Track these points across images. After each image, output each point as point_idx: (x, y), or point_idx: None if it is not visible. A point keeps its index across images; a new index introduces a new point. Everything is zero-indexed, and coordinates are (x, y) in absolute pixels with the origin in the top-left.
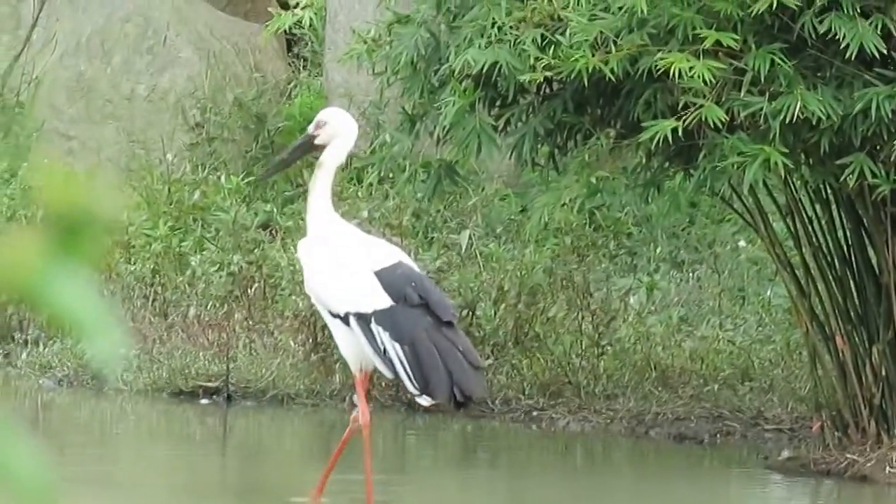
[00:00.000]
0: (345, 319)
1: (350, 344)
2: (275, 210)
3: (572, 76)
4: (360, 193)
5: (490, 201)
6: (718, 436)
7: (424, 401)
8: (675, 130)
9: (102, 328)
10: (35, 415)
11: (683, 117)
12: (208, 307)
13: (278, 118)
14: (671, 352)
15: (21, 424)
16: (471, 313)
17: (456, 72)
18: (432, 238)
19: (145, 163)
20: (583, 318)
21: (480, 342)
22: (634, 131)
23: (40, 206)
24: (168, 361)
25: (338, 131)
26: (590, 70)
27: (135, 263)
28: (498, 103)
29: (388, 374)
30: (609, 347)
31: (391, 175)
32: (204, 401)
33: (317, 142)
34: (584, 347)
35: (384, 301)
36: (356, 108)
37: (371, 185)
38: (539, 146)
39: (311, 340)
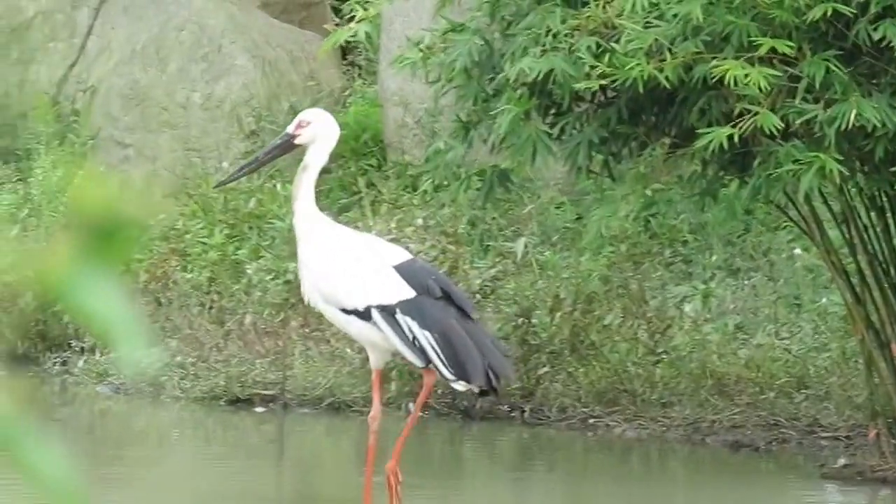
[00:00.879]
0: (363, 314)
1: (372, 335)
2: (330, 218)
3: (627, 84)
4: (415, 201)
5: (545, 209)
6: (774, 443)
7: (460, 386)
8: (730, 138)
9: (129, 332)
10: (92, 422)
11: (738, 125)
12: (265, 315)
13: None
14: (727, 360)
15: (49, 430)
16: (526, 321)
17: (511, 80)
18: (488, 246)
19: (201, 171)
20: (639, 325)
21: (536, 350)
22: (689, 139)
23: (72, 210)
24: (225, 369)
25: (320, 132)
26: (645, 78)
27: (191, 271)
28: (553, 111)
29: (419, 364)
30: (665, 355)
31: (446, 182)
32: (260, 409)
33: (297, 142)
34: (639, 355)
35: (408, 292)
36: (411, 115)
37: (426, 192)
38: (594, 154)
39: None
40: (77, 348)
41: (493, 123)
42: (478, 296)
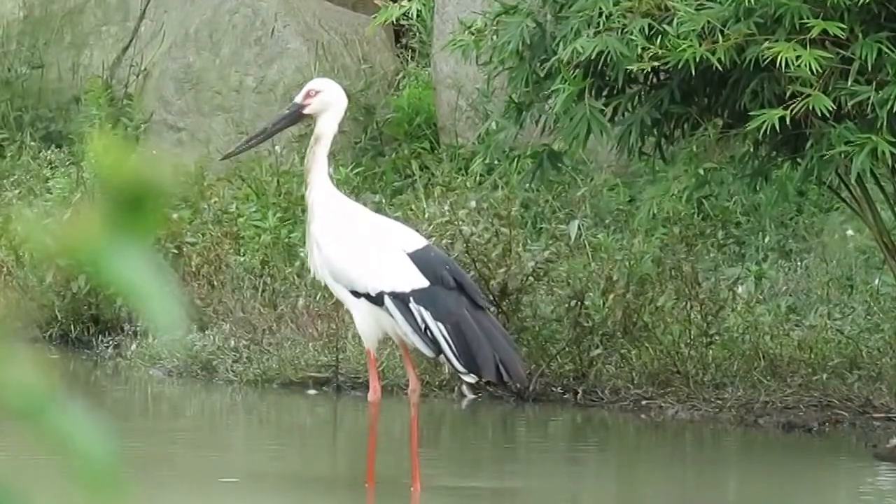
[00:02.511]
0: (375, 299)
1: (370, 323)
2: (384, 201)
3: (679, 66)
4: (468, 183)
5: (598, 191)
6: (827, 424)
7: (470, 378)
8: (782, 120)
9: (160, 301)
10: (145, 405)
11: (790, 107)
12: (317, 298)
13: (386, 109)
14: (779, 341)
15: (103, 413)
16: (579, 303)
17: (564, 61)
18: (541, 228)
19: (254, 154)
20: (691, 307)
21: (589, 332)
22: (742, 121)
23: (100, 181)
24: (278, 352)
25: (329, 101)
26: (697, 60)
27: (244, 255)
28: (605, 92)
29: (429, 354)
30: (717, 337)
31: (498, 162)
32: (313, 391)
33: (306, 111)
34: (692, 337)
35: (422, 281)
36: (464, 98)
37: (480, 175)
38: (646, 136)
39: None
40: (130, 332)
41: (545, 104)
42: (531, 278)
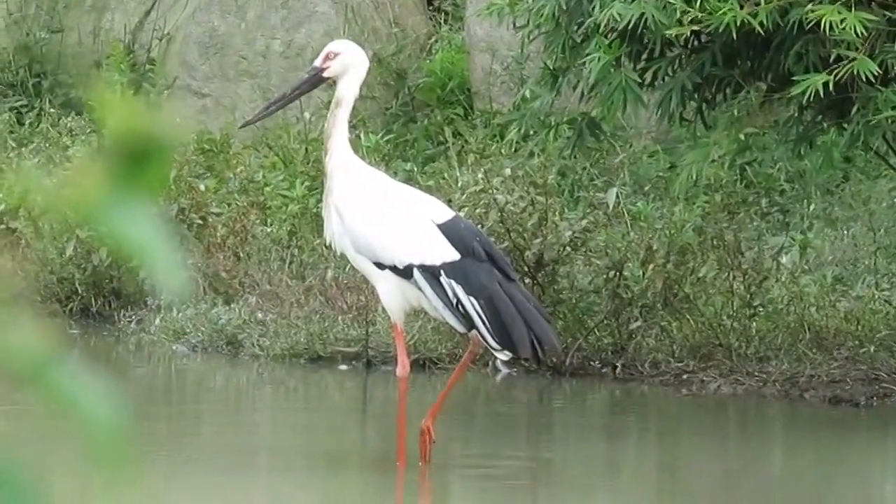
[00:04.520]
0: (402, 271)
1: (395, 295)
2: (415, 169)
3: (720, 30)
4: (502, 151)
5: (638, 158)
6: (874, 398)
7: (504, 356)
8: (826, 84)
9: (163, 255)
10: (169, 383)
11: (835, 71)
12: (346, 269)
13: (419, 74)
14: (825, 312)
15: (126, 389)
16: (618, 274)
17: (601, 26)
18: (578, 197)
19: (281, 121)
20: (734, 278)
21: (628, 304)
22: (785, 84)
23: (104, 134)
24: (306, 326)
25: (349, 63)
26: (738, 23)
27: (271, 225)
28: (644, 57)
29: (461, 329)
30: (761, 308)
31: (534, 131)
32: (343, 366)
33: (326, 75)
34: (735, 308)
35: (452, 254)
36: (499, 62)
37: (515, 142)
38: (687, 101)
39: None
40: (153, 306)
41: (582, 70)
42: (568, 248)
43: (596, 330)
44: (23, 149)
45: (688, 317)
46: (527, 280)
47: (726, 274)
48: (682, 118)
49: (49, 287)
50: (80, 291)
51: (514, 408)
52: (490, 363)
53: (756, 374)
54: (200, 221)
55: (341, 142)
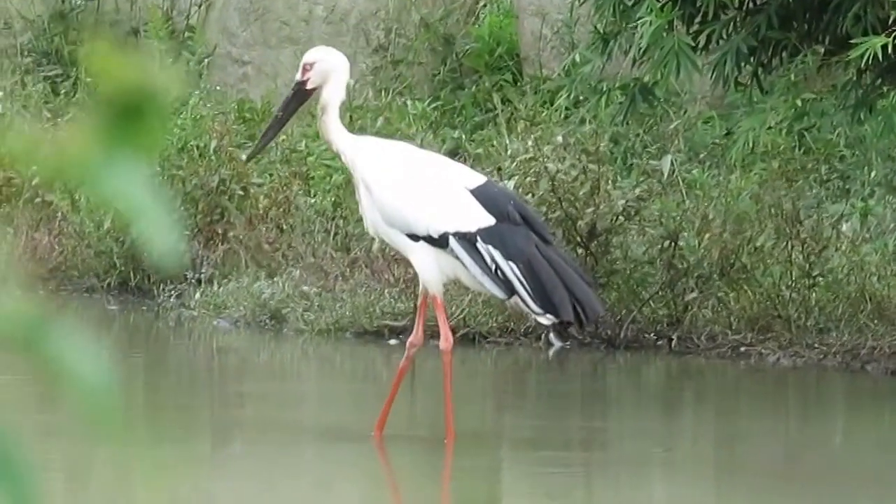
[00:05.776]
0: (438, 241)
1: (432, 266)
2: (463, 136)
3: None
4: (553, 118)
5: (693, 124)
6: None
7: (546, 320)
8: (885, 47)
9: (155, 216)
10: (211, 358)
11: (894, 33)
12: None
13: (467, 39)
14: (887, 282)
15: (84, 336)
16: (673, 244)
17: None
18: (631, 164)
19: None
20: (792, 247)
21: (684, 274)
22: (843, 47)
23: (97, 90)
24: (351, 299)
25: (328, 69)
26: None
27: (315, 196)
28: (697, 20)
29: (501, 295)
30: (821, 278)
31: (585, 97)
32: (391, 341)
33: (308, 87)
34: (794, 278)
35: (487, 219)
36: (549, 26)
37: (566, 109)
38: (742, 65)
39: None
40: (193, 280)
41: (633, 34)
42: (621, 217)
43: (651, 301)
44: (58, 119)
45: (745, 287)
46: (579, 250)
47: (785, 243)
48: (737, 83)
49: (86, 261)
50: (118, 265)
51: (568, 381)
52: (542, 337)
53: (816, 346)
54: (242, 192)
55: (343, 138)
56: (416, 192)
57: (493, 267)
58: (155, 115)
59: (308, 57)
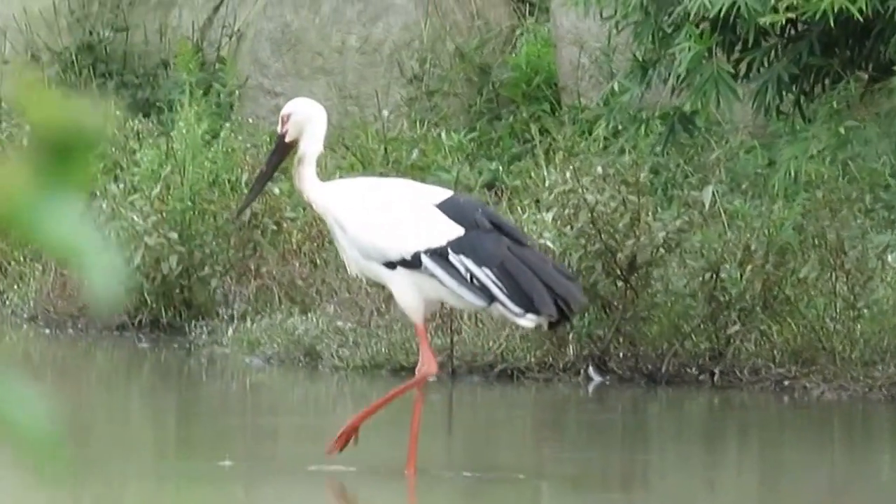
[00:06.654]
0: (411, 262)
1: (411, 292)
2: (500, 168)
3: (817, 17)
4: (592, 148)
5: (734, 154)
6: None
7: (528, 321)
8: None
9: (97, 255)
10: (244, 398)
11: None
12: None
13: (503, 69)
14: None
15: (21, 376)
16: (715, 276)
17: (691, 15)
18: (672, 195)
19: (359, 120)
20: (837, 278)
21: (726, 307)
22: (887, 74)
23: (28, 128)
24: (387, 335)
25: (304, 120)
26: (836, 10)
27: None
28: (737, 48)
29: (481, 304)
30: (866, 310)
31: (623, 126)
32: (430, 378)
33: (288, 139)
34: (838, 310)
35: (456, 230)
36: (587, 55)
37: (605, 139)
38: (784, 93)
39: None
40: (225, 317)
41: (672, 62)
42: (662, 249)
43: (692, 335)
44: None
45: (788, 320)
46: (619, 283)
47: (829, 274)
48: (779, 111)
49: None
50: (149, 302)
51: (608, 416)
52: (581, 372)
53: (861, 378)
54: (275, 227)
55: (316, 189)
56: (384, 219)
57: (469, 276)
58: (85, 152)
59: (285, 109)
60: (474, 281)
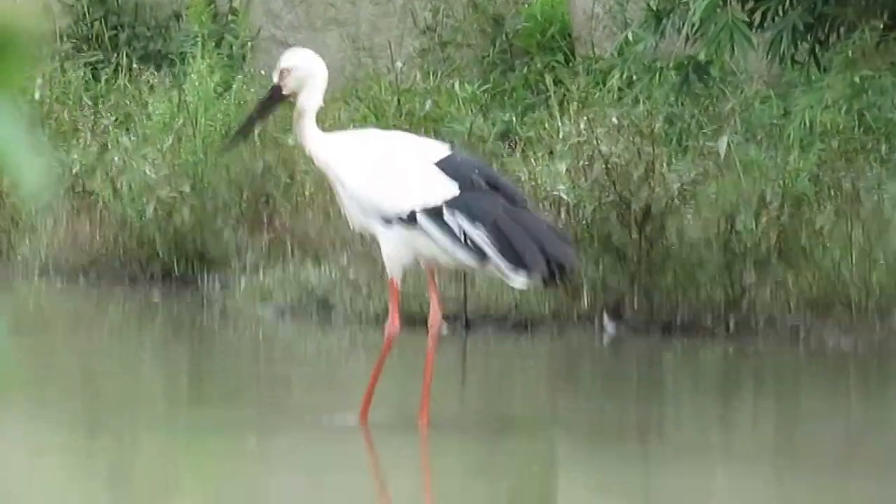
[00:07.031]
0: (407, 219)
1: (400, 250)
2: (514, 119)
3: None
4: (606, 98)
5: (749, 104)
6: None
7: (520, 280)
8: None
9: (27, 156)
10: (256, 349)
11: None
12: None
13: (517, 19)
14: None
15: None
16: (730, 226)
17: None
18: (687, 145)
19: (372, 72)
20: (852, 227)
21: (741, 257)
22: None
23: None
24: (401, 287)
25: (303, 77)
26: None
27: None
28: None
29: (474, 263)
30: (882, 259)
31: (638, 77)
32: (443, 330)
33: (285, 92)
34: (854, 260)
35: (452, 189)
36: (601, 4)
37: (619, 89)
38: (799, 42)
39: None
40: (238, 268)
41: (686, 11)
42: (676, 200)
43: (707, 285)
44: (99, 106)
45: (804, 269)
46: (634, 234)
47: (844, 224)
48: (793, 60)
49: (129, 250)
50: (161, 254)
51: (623, 367)
52: (596, 323)
53: (877, 327)
54: (288, 179)
55: (318, 141)
56: (382, 175)
57: (462, 235)
58: (16, 51)
59: (285, 61)
60: (468, 241)
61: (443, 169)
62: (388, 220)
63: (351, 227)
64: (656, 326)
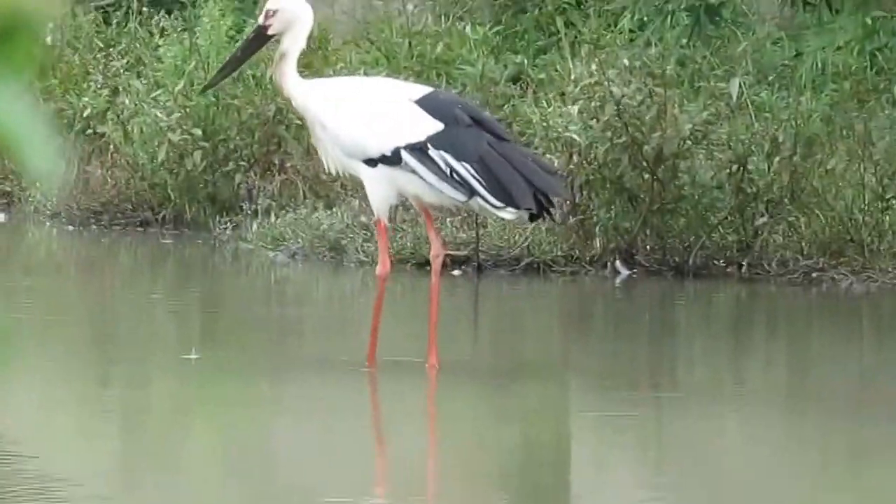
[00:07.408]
0: (391, 158)
1: (385, 190)
2: (526, 62)
3: None
4: (618, 40)
5: (762, 46)
6: None
7: (508, 213)
8: None
9: (38, 141)
10: (268, 293)
11: None
12: None
13: None
14: None
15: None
16: (742, 168)
17: None
18: (699, 87)
19: (383, 14)
20: (865, 169)
21: (753, 199)
22: None
23: None
24: (412, 229)
25: (289, 19)
26: None
27: None
28: None
29: (461, 198)
30: (895, 201)
31: (650, 18)
32: (455, 271)
33: (269, 32)
34: (866, 202)
35: (436, 126)
36: None
37: (630, 31)
38: None
39: (568, 202)
40: (249, 212)
41: None
42: (688, 142)
43: (720, 227)
44: (110, 49)
45: (817, 212)
46: (646, 176)
47: (857, 165)
48: (805, 2)
49: (140, 194)
50: (172, 198)
51: (635, 309)
52: (609, 265)
53: (890, 270)
54: (299, 122)
55: (296, 85)
56: (364, 116)
57: (448, 171)
58: (28, 36)
59: (272, 3)
60: (454, 175)
61: (424, 106)
62: (372, 160)
63: (328, 170)
64: (668, 269)
